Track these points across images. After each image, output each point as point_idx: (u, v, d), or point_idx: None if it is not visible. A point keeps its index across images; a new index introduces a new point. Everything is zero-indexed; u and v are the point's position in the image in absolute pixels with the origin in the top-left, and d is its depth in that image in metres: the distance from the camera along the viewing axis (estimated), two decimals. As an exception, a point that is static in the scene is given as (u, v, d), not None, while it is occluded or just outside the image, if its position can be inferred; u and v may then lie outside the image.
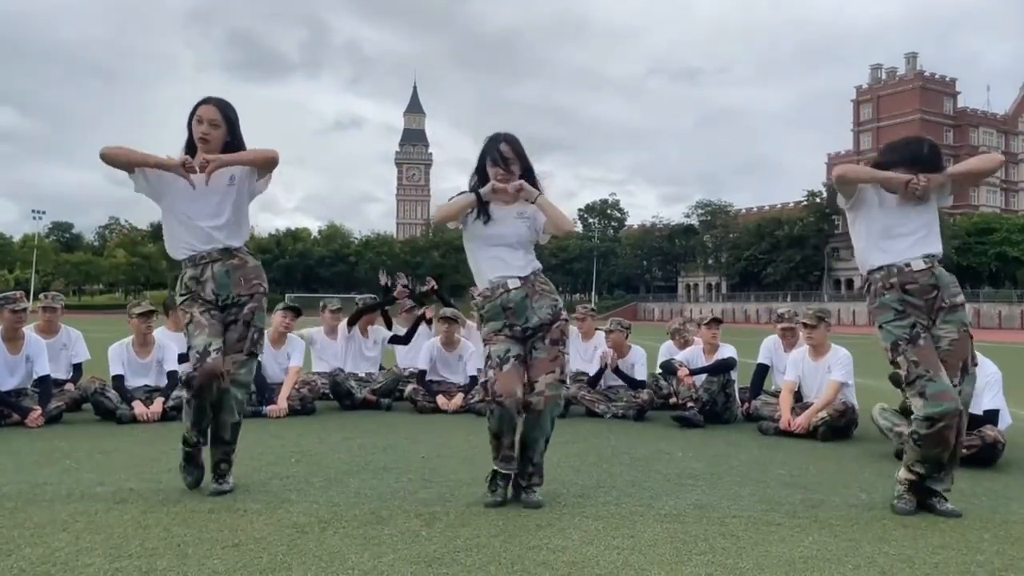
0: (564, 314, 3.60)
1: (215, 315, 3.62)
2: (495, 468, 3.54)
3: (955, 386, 3.34)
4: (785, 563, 2.70)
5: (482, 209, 3.61)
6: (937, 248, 3.48)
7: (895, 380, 4.36)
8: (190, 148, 3.67)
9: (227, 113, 3.65)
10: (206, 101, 3.63)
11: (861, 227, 3.57)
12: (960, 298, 3.46)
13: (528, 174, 3.64)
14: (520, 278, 3.55)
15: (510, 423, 3.49)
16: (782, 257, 73.91)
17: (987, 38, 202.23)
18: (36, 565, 2.54)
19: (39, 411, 5.46)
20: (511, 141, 3.62)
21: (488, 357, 3.55)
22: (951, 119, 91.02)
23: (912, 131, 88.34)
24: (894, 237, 3.46)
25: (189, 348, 3.58)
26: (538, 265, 3.66)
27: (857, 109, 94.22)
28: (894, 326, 3.41)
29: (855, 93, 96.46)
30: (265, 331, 6.34)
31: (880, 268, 3.48)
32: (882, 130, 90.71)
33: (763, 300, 73.44)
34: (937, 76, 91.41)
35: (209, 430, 3.64)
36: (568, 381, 6.73)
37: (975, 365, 3.49)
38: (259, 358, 6.21)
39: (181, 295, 3.64)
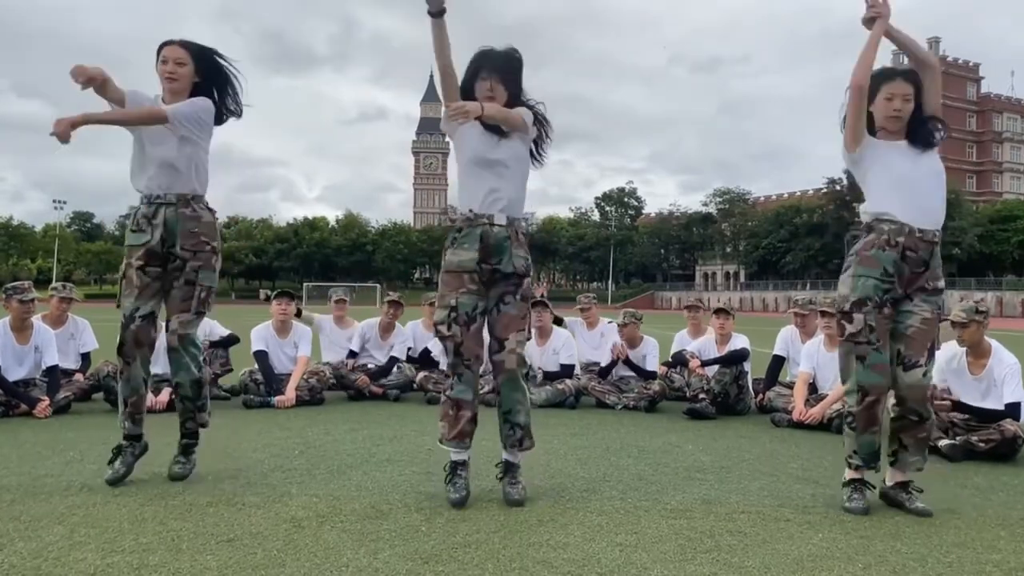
0: (531, 271, 3.42)
1: (150, 272, 3.51)
2: (452, 457, 3.37)
3: (921, 366, 3.21)
4: (793, 561, 2.61)
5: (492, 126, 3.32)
6: (942, 219, 3.28)
7: None
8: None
9: (193, 51, 3.52)
10: (169, 42, 3.52)
11: (878, 172, 3.27)
12: (941, 283, 3.30)
13: (515, 100, 3.40)
14: (508, 217, 3.32)
15: (474, 389, 3.35)
16: (801, 245, 73.16)
17: (1011, 22, 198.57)
18: (27, 560, 2.50)
19: (47, 401, 5.45)
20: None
21: (453, 308, 3.26)
22: (974, 104, 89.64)
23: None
24: (913, 191, 3.21)
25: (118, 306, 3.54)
26: (522, 211, 3.43)
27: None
28: (874, 285, 3.21)
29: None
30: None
31: (894, 222, 3.22)
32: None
33: (782, 289, 72.79)
34: (960, 61, 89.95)
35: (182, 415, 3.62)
36: (579, 371, 6.71)
37: (938, 349, 3.36)
38: (267, 348, 6.29)
39: (132, 230, 3.53)
